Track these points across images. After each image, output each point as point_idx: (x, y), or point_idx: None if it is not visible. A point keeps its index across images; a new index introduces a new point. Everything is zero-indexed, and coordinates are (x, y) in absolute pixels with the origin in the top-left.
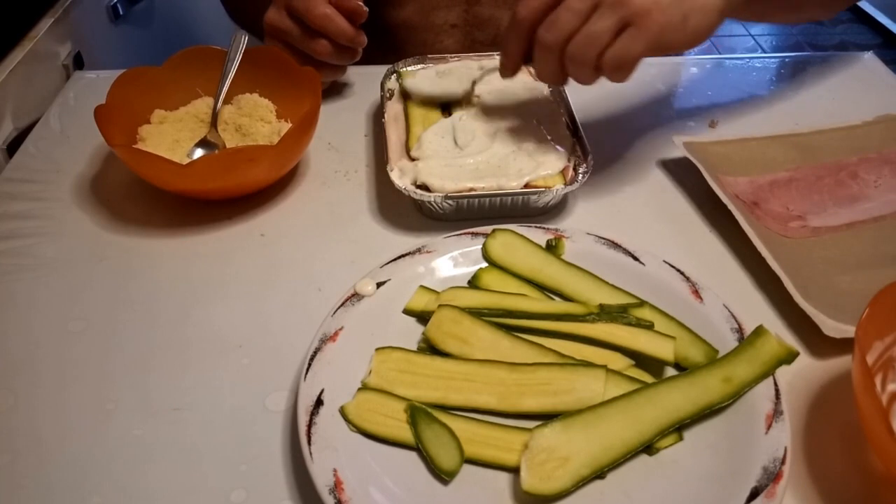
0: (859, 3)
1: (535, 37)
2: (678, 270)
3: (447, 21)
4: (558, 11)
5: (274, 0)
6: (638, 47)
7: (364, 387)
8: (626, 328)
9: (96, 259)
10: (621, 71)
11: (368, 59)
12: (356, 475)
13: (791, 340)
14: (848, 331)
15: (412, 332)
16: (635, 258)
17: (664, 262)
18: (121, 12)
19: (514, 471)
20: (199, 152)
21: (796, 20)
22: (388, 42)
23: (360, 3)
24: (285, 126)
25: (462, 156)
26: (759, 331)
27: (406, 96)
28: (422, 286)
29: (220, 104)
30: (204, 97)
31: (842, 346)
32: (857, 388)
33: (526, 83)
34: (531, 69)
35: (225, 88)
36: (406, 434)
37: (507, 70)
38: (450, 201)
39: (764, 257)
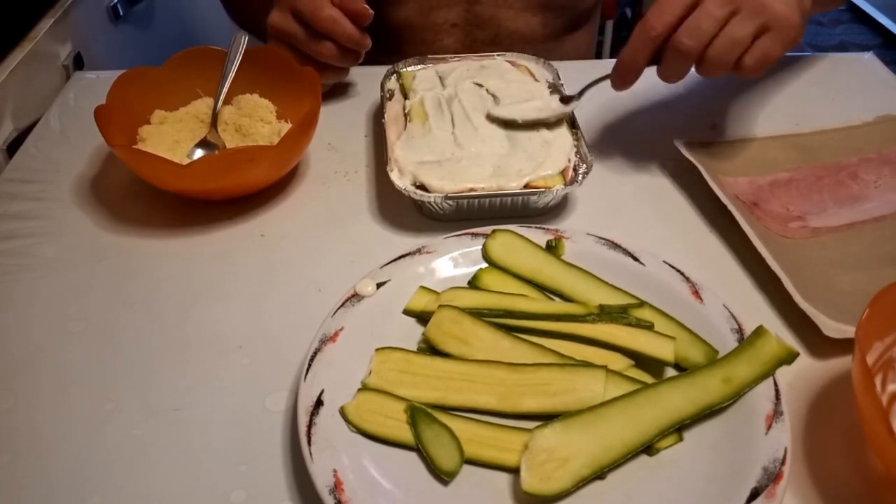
0: (859, 4)
1: (669, 43)
2: (678, 271)
3: (448, 20)
4: (699, 18)
5: (277, 2)
6: (778, 49)
7: (364, 387)
8: (626, 328)
9: (96, 259)
10: (760, 71)
11: (368, 58)
12: (356, 475)
13: (791, 341)
14: (848, 331)
15: (412, 333)
16: (635, 258)
17: (664, 262)
18: (121, 13)
19: (514, 471)
20: (199, 153)
21: (837, 5)
22: (389, 41)
23: (366, 6)
24: (285, 126)
25: (462, 156)
26: (759, 331)
27: (406, 96)
28: (422, 287)
29: (220, 104)
30: (204, 97)
31: (842, 346)
32: (857, 388)
33: (526, 83)
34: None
35: (225, 89)
36: (406, 434)
37: (626, 82)
38: (450, 201)
39: (764, 258)
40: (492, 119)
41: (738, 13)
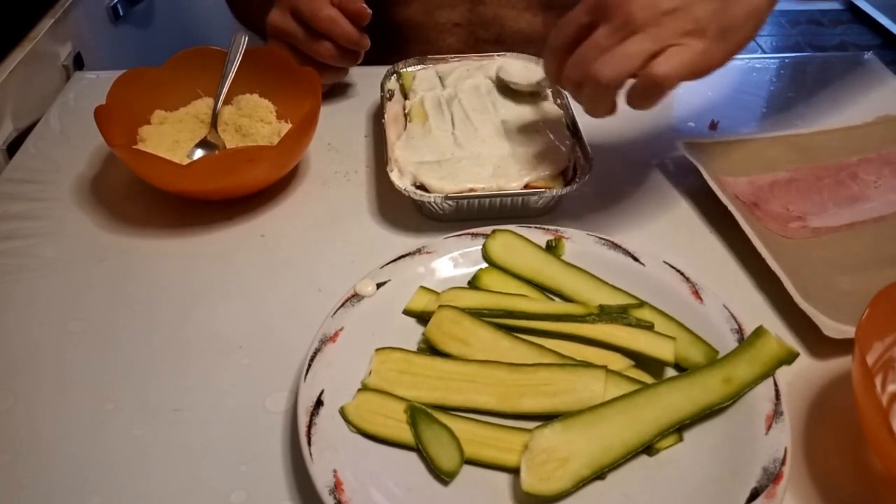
0: (859, 4)
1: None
2: (678, 271)
3: (451, 20)
4: (583, 48)
5: (278, 1)
6: (688, 57)
7: (364, 387)
8: (626, 329)
9: (96, 259)
10: (672, 79)
11: (371, 57)
12: (356, 476)
13: (791, 341)
14: (848, 331)
15: (412, 333)
16: (635, 259)
17: (664, 262)
18: (121, 13)
19: (514, 471)
20: (199, 153)
21: None
22: (391, 41)
23: (364, 6)
24: (285, 127)
25: (462, 156)
26: (759, 331)
27: (406, 96)
28: (422, 287)
29: (220, 105)
30: (204, 98)
31: (842, 346)
32: (857, 388)
33: (527, 81)
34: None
35: (225, 89)
36: (406, 435)
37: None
38: (450, 202)
39: (764, 258)
40: (499, 83)
41: (635, 34)
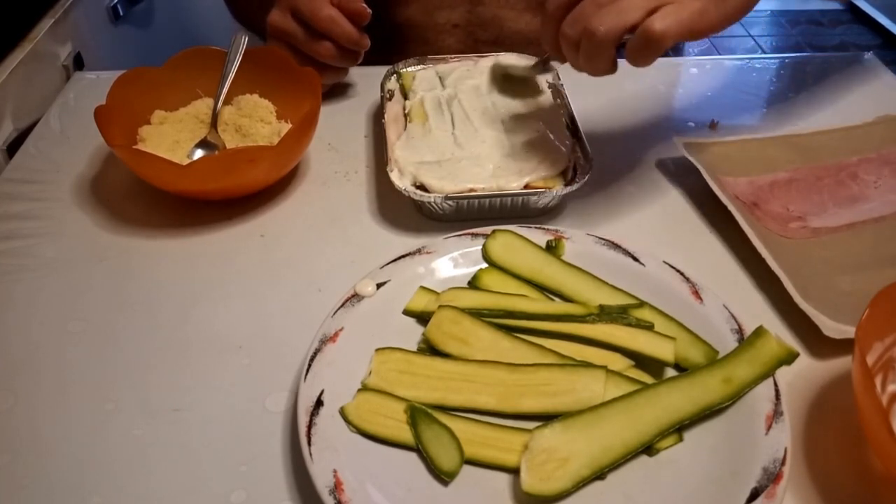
0: (859, 4)
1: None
2: (678, 271)
3: (450, 21)
4: (582, 6)
5: (278, 2)
6: (683, 14)
7: (364, 387)
8: (626, 329)
9: (96, 259)
10: (669, 36)
11: (370, 58)
12: (356, 476)
13: (791, 341)
14: (848, 331)
15: (412, 333)
16: (635, 259)
17: (664, 262)
18: (121, 13)
19: (514, 471)
20: (199, 153)
21: None
22: (391, 41)
23: (364, 5)
24: (285, 127)
25: (462, 156)
26: (759, 331)
27: (406, 97)
28: (422, 287)
29: (220, 105)
30: (204, 98)
31: (842, 346)
32: (857, 388)
33: (526, 81)
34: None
35: (225, 89)
36: (406, 435)
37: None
38: (450, 202)
39: (764, 258)
40: (495, 73)
41: None
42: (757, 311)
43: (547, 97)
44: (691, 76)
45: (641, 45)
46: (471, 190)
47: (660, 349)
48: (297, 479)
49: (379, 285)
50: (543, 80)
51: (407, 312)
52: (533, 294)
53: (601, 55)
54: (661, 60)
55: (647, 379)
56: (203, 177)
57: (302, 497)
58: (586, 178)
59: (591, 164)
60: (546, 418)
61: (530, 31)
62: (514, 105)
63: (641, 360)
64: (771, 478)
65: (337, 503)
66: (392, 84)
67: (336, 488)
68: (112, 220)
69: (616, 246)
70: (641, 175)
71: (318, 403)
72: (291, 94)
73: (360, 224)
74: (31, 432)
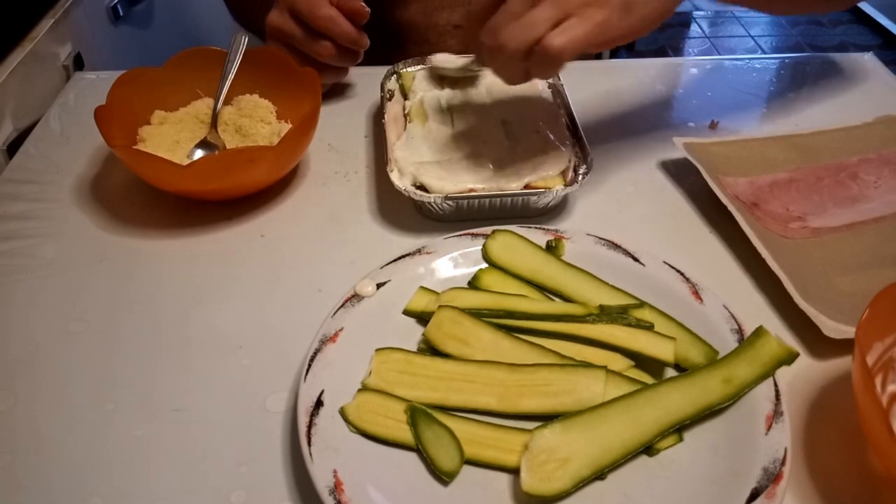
0: (859, 4)
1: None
2: (678, 271)
3: (450, 21)
4: (497, 15)
5: (276, 2)
6: (585, 28)
7: (364, 388)
8: (626, 329)
9: (96, 259)
10: (565, 54)
11: (371, 58)
12: (356, 476)
13: (791, 341)
14: (848, 332)
15: (412, 333)
16: (635, 259)
17: (664, 262)
18: (121, 13)
19: (514, 472)
20: (199, 153)
21: (794, 12)
22: (391, 42)
23: (363, 4)
24: (285, 127)
25: (462, 156)
26: (759, 332)
27: (406, 97)
28: (422, 287)
29: (220, 105)
30: (204, 98)
31: (842, 346)
32: (857, 388)
33: (454, 66)
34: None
35: (225, 89)
36: (406, 435)
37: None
38: (450, 202)
39: (764, 258)
40: (431, 71)
41: (543, 1)
42: (757, 311)
43: (547, 97)
44: (691, 76)
45: (540, 60)
46: (471, 190)
47: (660, 349)
48: (297, 479)
49: (379, 285)
50: (472, 62)
51: (407, 312)
52: (533, 294)
53: (510, 68)
54: (661, 60)
55: (647, 379)
56: (203, 177)
57: (302, 497)
58: (586, 178)
59: (591, 164)
60: (546, 418)
61: None
62: (515, 105)
63: (641, 361)
64: (771, 478)
65: (337, 503)
66: (392, 84)
67: (336, 488)
68: (112, 220)
69: (616, 246)
70: (641, 175)
71: (318, 404)
72: (291, 94)
73: (360, 224)
74: (31, 432)
